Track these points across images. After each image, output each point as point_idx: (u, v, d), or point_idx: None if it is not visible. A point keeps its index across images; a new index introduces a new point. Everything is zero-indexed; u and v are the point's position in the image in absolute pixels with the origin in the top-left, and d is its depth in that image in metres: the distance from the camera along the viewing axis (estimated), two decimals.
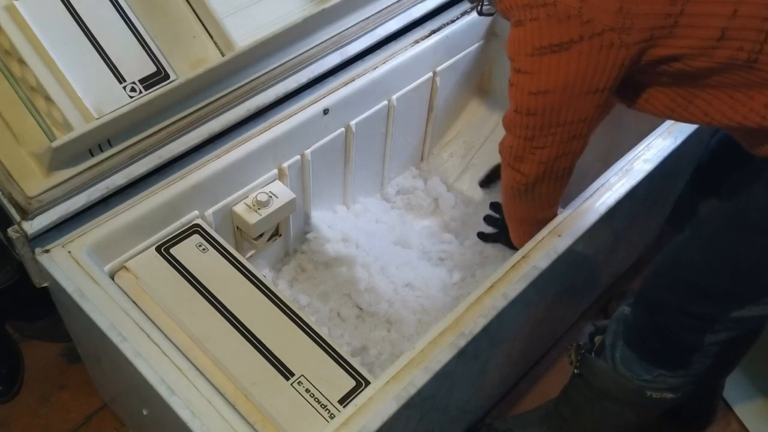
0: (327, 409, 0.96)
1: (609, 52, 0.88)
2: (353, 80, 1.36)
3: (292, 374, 0.99)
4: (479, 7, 1.09)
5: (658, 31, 0.87)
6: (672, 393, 1.15)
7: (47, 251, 1.05)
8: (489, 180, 1.58)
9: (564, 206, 1.16)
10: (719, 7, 0.85)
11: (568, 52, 0.89)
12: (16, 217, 1.02)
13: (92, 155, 1.06)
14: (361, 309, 1.41)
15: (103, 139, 1.07)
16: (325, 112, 1.33)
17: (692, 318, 1.05)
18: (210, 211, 1.23)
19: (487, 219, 1.49)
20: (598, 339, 1.23)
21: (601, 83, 0.92)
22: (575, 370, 1.23)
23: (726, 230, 1.02)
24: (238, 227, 1.30)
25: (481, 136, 1.73)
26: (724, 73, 0.90)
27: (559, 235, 1.12)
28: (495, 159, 1.71)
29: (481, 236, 1.51)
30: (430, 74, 1.53)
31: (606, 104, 0.96)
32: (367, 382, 0.99)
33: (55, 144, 0.99)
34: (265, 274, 1.46)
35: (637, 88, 0.99)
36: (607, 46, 0.88)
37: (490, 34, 1.63)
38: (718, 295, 1.03)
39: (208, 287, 1.08)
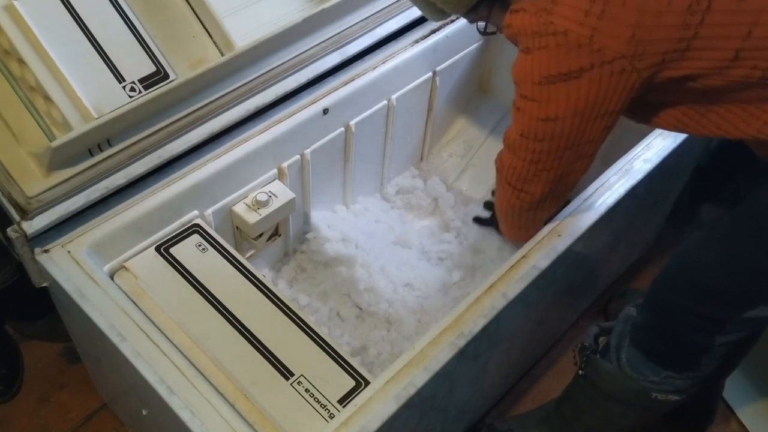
0: (327, 408, 0.96)
1: (620, 77, 0.87)
2: (353, 80, 1.36)
3: (292, 374, 0.99)
4: (478, 27, 1.07)
5: (670, 55, 0.86)
6: (677, 395, 1.15)
7: (47, 251, 1.05)
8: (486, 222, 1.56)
9: (564, 206, 1.16)
10: (734, 29, 0.84)
11: (578, 80, 0.88)
12: (16, 216, 1.02)
13: (92, 155, 1.06)
14: (360, 309, 1.41)
15: (102, 139, 1.07)
16: (325, 111, 1.33)
17: (703, 320, 1.05)
18: (210, 210, 1.23)
19: (486, 205, 1.50)
20: (602, 340, 1.23)
21: (611, 107, 0.91)
22: (579, 371, 1.23)
23: (737, 233, 1.02)
24: (237, 227, 1.30)
25: (480, 136, 1.74)
26: (737, 90, 0.89)
27: (559, 235, 1.12)
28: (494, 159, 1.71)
29: (477, 220, 1.53)
30: (430, 74, 1.53)
31: (614, 124, 0.96)
32: (367, 382, 0.99)
33: (55, 144, 0.99)
34: (264, 273, 1.46)
35: (647, 106, 0.99)
36: (618, 72, 0.86)
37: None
38: (732, 297, 1.03)
39: (207, 287, 1.08)
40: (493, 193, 1.49)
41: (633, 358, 1.15)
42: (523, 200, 1.06)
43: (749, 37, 0.84)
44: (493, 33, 1.06)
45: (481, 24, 1.03)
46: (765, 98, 0.89)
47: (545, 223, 1.13)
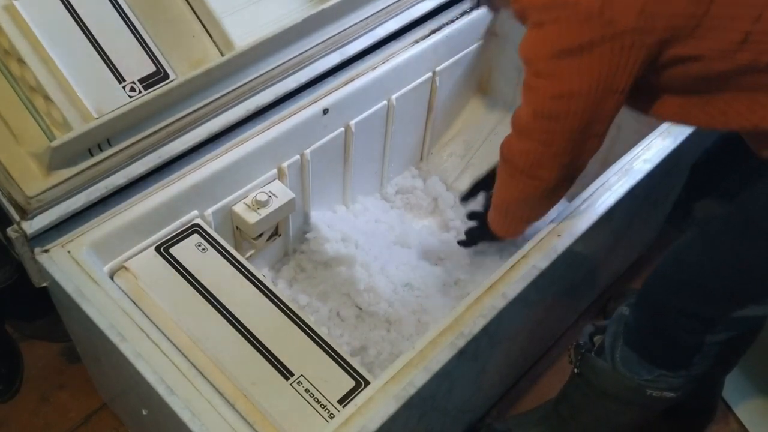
0: (326, 408, 0.96)
1: (630, 52, 0.87)
2: (353, 80, 1.36)
3: (292, 374, 0.99)
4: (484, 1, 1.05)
5: (679, 32, 0.85)
6: (672, 392, 1.15)
7: (46, 251, 1.05)
8: (472, 194, 1.47)
9: (563, 206, 1.16)
10: (744, 11, 0.83)
11: (590, 55, 0.87)
12: (16, 216, 1.02)
13: (92, 155, 1.06)
14: (360, 309, 1.41)
15: (102, 139, 1.07)
16: (325, 111, 1.33)
17: (693, 319, 1.05)
18: (209, 210, 1.23)
19: (472, 215, 1.41)
20: (597, 339, 1.24)
21: (621, 83, 0.90)
22: (575, 370, 1.23)
23: (729, 232, 1.02)
24: (237, 227, 1.30)
25: (480, 136, 1.73)
26: (743, 75, 0.88)
27: (559, 235, 1.12)
28: (495, 159, 1.71)
29: (463, 243, 1.45)
30: (430, 74, 1.53)
31: (622, 105, 0.95)
32: (367, 382, 0.99)
33: (55, 144, 0.99)
34: (264, 273, 1.46)
35: (651, 93, 0.98)
36: (628, 46, 0.86)
37: (490, 34, 1.63)
38: (722, 296, 1.03)
39: (207, 287, 1.08)
40: (470, 189, 1.39)
41: (626, 357, 1.15)
42: (536, 187, 1.04)
43: (759, 20, 0.83)
44: (497, 10, 1.03)
45: None
46: None
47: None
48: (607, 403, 1.20)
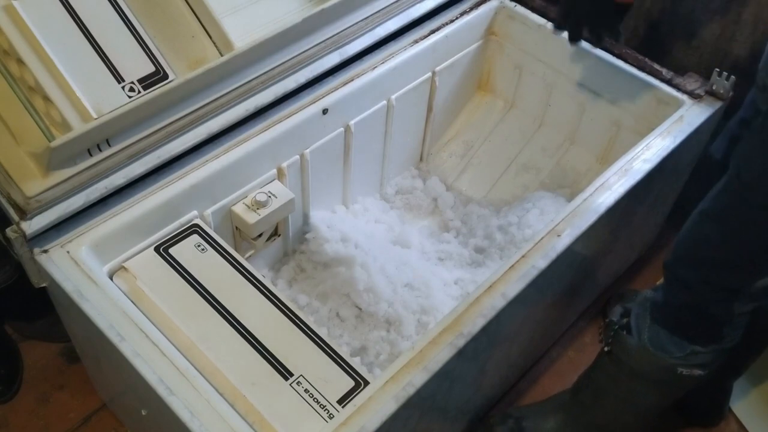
0: (326, 409, 0.96)
1: None
2: (352, 80, 1.36)
3: (291, 374, 0.99)
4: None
5: None
6: (701, 369, 1.15)
7: (46, 251, 1.05)
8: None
9: (563, 206, 1.16)
10: None
11: None
12: (15, 217, 1.02)
13: (91, 155, 1.06)
14: (360, 309, 1.41)
15: (101, 139, 1.06)
16: (324, 112, 1.32)
17: (719, 290, 1.07)
18: (209, 211, 1.23)
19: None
20: (625, 321, 1.23)
21: None
22: (605, 348, 1.22)
23: (731, 205, 1.03)
24: (237, 227, 1.30)
25: (480, 136, 1.73)
26: None
27: (558, 235, 1.12)
28: (495, 158, 1.71)
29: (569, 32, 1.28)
30: (429, 74, 1.53)
31: None
32: (366, 382, 0.99)
33: (54, 144, 0.99)
34: (264, 274, 1.46)
35: None
36: None
37: (490, 34, 1.63)
38: (738, 267, 1.04)
39: (207, 287, 1.08)
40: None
41: (657, 336, 1.15)
42: None
43: None
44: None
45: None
46: None
47: None
48: (635, 384, 1.20)
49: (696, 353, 1.14)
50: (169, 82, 1.11)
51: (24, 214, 1.02)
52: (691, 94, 1.37)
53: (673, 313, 1.14)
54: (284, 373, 0.99)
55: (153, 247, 1.14)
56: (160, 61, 1.12)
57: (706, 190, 1.09)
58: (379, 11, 1.35)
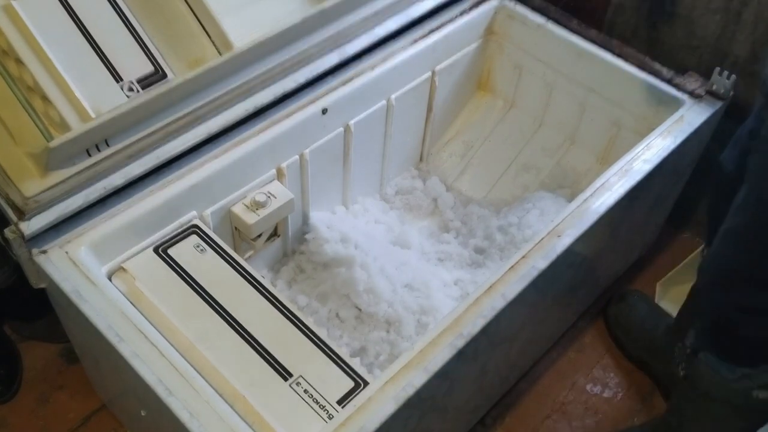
0: (325, 409, 0.96)
1: None
2: (352, 80, 1.36)
3: (291, 375, 0.99)
4: None
5: None
6: None
7: (44, 252, 1.05)
8: None
9: (563, 206, 1.16)
10: None
11: None
12: (13, 217, 1.02)
13: (89, 155, 1.06)
14: (360, 310, 1.41)
15: (100, 139, 1.06)
16: (324, 111, 1.32)
17: (753, 313, 1.05)
18: (208, 211, 1.22)
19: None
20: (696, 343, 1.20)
21: None
22: (681, 372, 1.19)
23: (747, 218, 1.01)
24: (236, 228, 1.30)
25: (480, 136, 1.73)
26: None
27: (559, 236, 1.11)
28: (495, 158, 1.71)
29: None
30: (429, 73, 1.53)
31: None
32: (366, 383, 0.99)
33: (53, 144, 0.98)
34: (263, 274, 1.46)
35: None
36: None
37: (489, 33, 1.63)
38: (765, 284, 1.02)
39: (206, 288, 1.08)
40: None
41: (712, 360, 1.13)
42: None
43: None
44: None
45: None
46: None
47: None
48: (715, 408, 1.15)
49: (752, 375, 1.09)
50: (168, 81, 1.11)
51: (22, 214, 1.02)
52: (692, 94, 1.37)
53: (710, 337, 1.11)
54: (284, 373, 0.99)
55: (152, 248, 1.13)
56: (159, 60, 1.12)
57: (720, 201, 1.08)
58: (378, 11, 1.35)
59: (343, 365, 1.00)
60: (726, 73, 1.33)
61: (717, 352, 1.12)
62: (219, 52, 1.16)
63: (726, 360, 1.11)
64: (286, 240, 1.46)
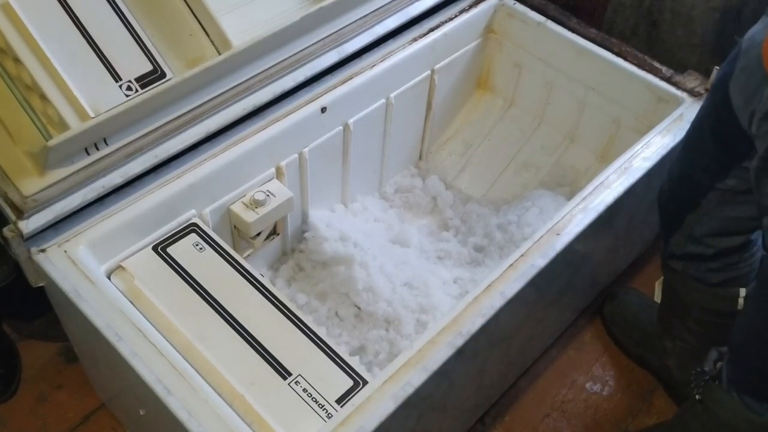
0: (324, 408, 0.96)
1: None
2: (351, 78, 1.35)
3: (290, 374, 0.99)
4: None
5: None
6: None
7: (43, 251, 1.05)
8: None
9: (563, 205, 1.16)
10: None
11: None
12: (12, 216, 1.02)
13: (88, 154, 1.06)
14: (359, 308, 1.41)
15: (99, 138, 1.06)
16: (323, 110, 1.32)
17: None
18: (207, 210, 1.22)
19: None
20: (719, 366, 1.16)
21: None
22: (697, 396, 1.16)
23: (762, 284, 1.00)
24: (235, 226, 1.30)
25: (480, 134, 1.73)
26: None
27: (558, 234, 1.11)
28: (494, 157, 1.71)
29: None
30: (429, 72, 1.53)
31: None
32: (365, 382, 0.98)
33: (51, 143, 0.98)
34: (262, 273, 1.45)
35: None
36: None
37: (489, 32, 1.63)
38: None
39: (205, 287, 1.08)
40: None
41: (749, 402, 1.09)
42: None
43: None
44: None
45: None
46: None
47: None
48: None
49: None
50: (167, 80, 1.11)
51: (21, 213, 1.01)
52: (691, 92, 1.37)
53: (738, 376, 1.09)
54: (283, 372, 0.99)
55: (151, 247, 1.13)
56: (157, 59, 1.12)
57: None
58: (377, 9, 1.34)
59: (342, 364, 1.00)
60: None
61: (750, 392, 1.09)
62: (218, 51, 1.16)
63: (755, 398, 1.08)
64: (286, 238, 1.46)
